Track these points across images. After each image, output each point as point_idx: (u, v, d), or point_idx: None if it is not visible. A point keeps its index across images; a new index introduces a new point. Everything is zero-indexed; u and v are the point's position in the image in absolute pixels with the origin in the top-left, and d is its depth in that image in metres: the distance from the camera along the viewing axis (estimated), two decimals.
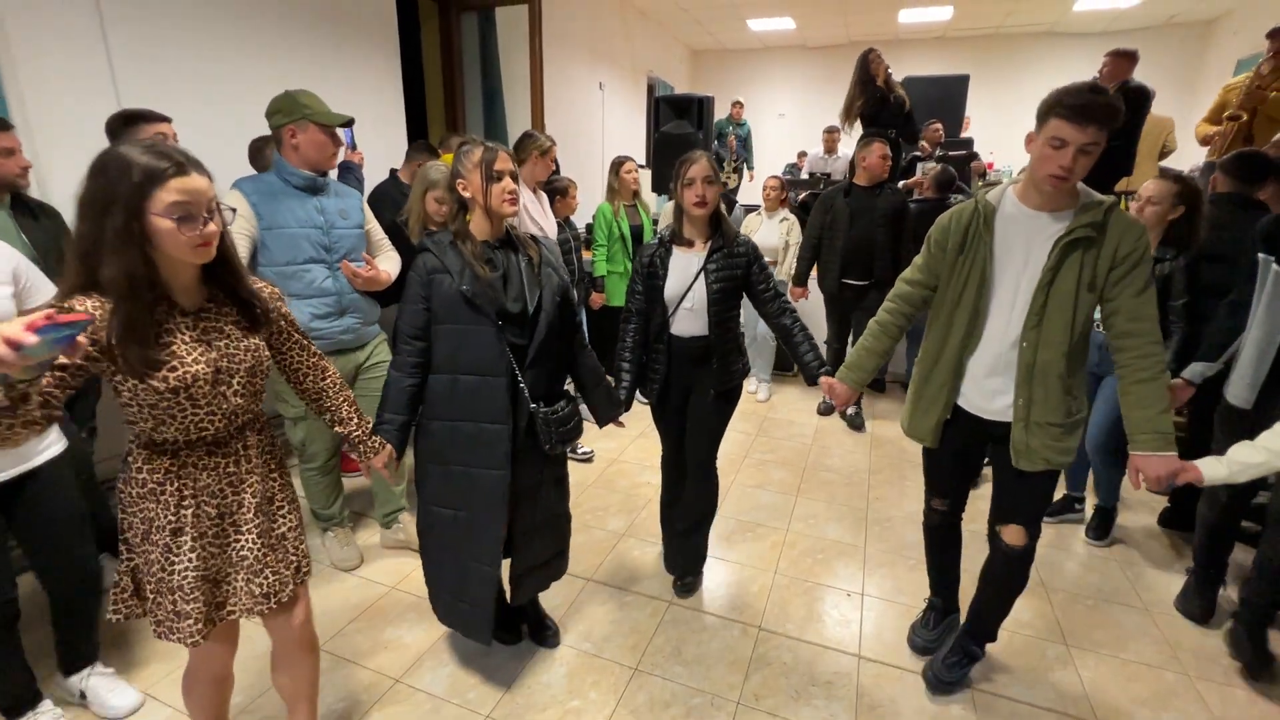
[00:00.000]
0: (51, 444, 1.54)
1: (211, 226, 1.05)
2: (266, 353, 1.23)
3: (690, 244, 1.93)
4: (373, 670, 1.82)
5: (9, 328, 0.79)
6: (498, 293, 1.52)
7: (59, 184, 2.34)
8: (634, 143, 7.26)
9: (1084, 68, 6.80)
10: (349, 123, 2.02)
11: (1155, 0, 6.62)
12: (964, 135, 7.27)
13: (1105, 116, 1.30)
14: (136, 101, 2.26)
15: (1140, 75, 3.71)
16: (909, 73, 5.61)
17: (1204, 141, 3.85)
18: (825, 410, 3.94)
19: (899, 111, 4.28)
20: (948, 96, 5.49)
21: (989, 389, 1.57)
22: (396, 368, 1.56)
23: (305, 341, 1.34)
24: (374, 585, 2.21)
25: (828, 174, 5.76)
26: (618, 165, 3.57)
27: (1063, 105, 1.31)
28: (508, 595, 1.77)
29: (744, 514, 2.74)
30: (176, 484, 1.15)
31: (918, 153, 4.97)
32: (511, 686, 1.78)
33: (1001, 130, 7.52)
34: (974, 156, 5.21)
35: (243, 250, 1.90)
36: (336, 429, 1.42)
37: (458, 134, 3.87)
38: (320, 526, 2.38)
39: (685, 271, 1.91)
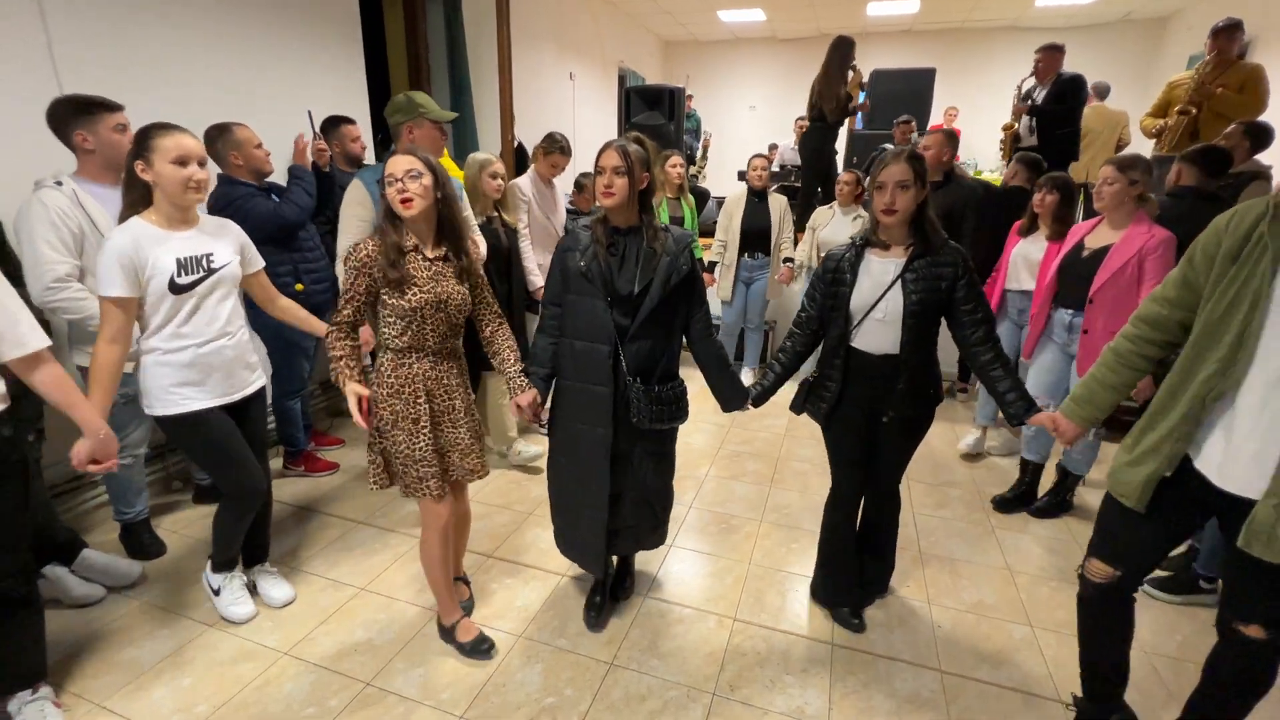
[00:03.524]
0: None
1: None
2: (468, 297, 1.69)
3: (886, 248, 1.74)
4: (343, 674, 1.78)
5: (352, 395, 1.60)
6: (610, 273, 1.69)
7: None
8: (606, 134, 7.21)
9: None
10: (454, 118, 2.32)
11: None
12: (951, 127, 7.44)
13: None
14: (80, 89, 2.14)
15: (1097, 70, 3.86)
16: (876, 65, 5.67)
17: (1151, 135, 3.98)
18: (797, 409, 3.95)
19: (856, 109, 4.44)
20: (915, 89, 5.56)
21: (1244, 449, 1.18)
22: (541, 331, 1.84)
23: (490, 299, 1.79)
24: (343, 587, 2.16)
25: (799, 165, 5.80)
26: (663, 159, 3.73)
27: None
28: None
29: (718, 505, 2.75)
30: (413, 385, 1.64)
31: (887, 145, 5.03)
32: (486, 686, 1.76)
33: (966, 122, 7.67)
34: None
35: (361, 233, 2.21)
36: (499, 367, 1.80)
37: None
38: (499, 453, 2.87)
39: (878, 279, 1.72)
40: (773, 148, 7.68)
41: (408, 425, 1.64)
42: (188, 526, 2.50)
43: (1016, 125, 4.30)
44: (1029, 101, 4.17)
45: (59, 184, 1.92)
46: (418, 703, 1.70)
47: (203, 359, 1.75)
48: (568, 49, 6.36)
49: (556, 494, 1.95)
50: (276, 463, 2.92)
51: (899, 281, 1.69)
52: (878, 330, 1.73)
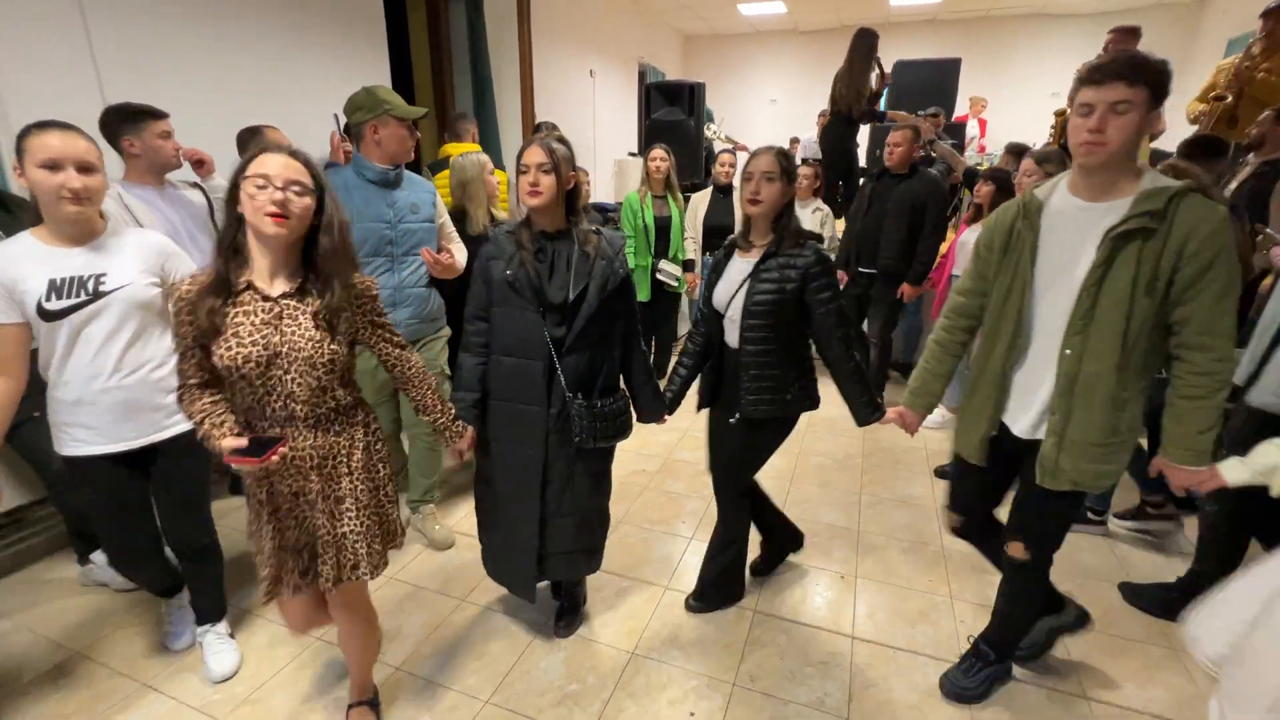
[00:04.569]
0: None
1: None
2: (334, 348, 1.25)
3: (749, 248, 1.75)
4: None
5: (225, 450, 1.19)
6: (540, 281, 1.56)
7: None
8: (626, 131, 7.22)
9: (1075, 50, 6.78)
10: (424, 115, 2.04)
11: None
12: (980, 117, 7.29)
13: (1128, 70, 1.19)
14: (121, 96, 2.23)
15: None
16: (900, 56, 5.59)
17: (1193, 120, 3.86)
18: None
19: (875, 100, 4.34)
20: (940, 80, 5.46)
21: (1035, 406, 1.43)
22: (465, 349, 1.68)
23: (393, 335, 1.43)
24: None
25: (821, 159, 5.75)
26: (646, 154, 3.58)
27: (1084, 72, 1.25)
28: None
29: None
30: (267, 471, 1.28)
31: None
32: (510, 672, 1.80)
33: (991, 113, 7.52)
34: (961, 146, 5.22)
35: None
36: (423, 416, 1.51)
37: (463, 112, 3.83)
38: (420, 502, 2.46)
39: (734, 278, 1.75)
40: (794, 141, 7.63)
41: (254, 505, 1.32)
42: (223, 516, 2.58)
43: (1070, 112, 4.09)
44: None
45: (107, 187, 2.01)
46: (445, 688, 1.75)
47: (91, 398, 1.49)
48: (588, 46, 6.38)
49: (484, 515, 1.82)
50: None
51: (747, 281, 1.71)
52: (730, 329, 1.78)
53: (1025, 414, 1.46)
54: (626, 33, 7.33)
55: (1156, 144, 4.70)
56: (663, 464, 3.08)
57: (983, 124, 7.34)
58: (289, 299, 1.23)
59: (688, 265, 3.83)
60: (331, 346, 1.24)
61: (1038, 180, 2.43)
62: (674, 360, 2.01)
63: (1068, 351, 1.34)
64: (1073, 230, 1.33)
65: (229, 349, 1.17)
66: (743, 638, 1.94)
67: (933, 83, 5.40)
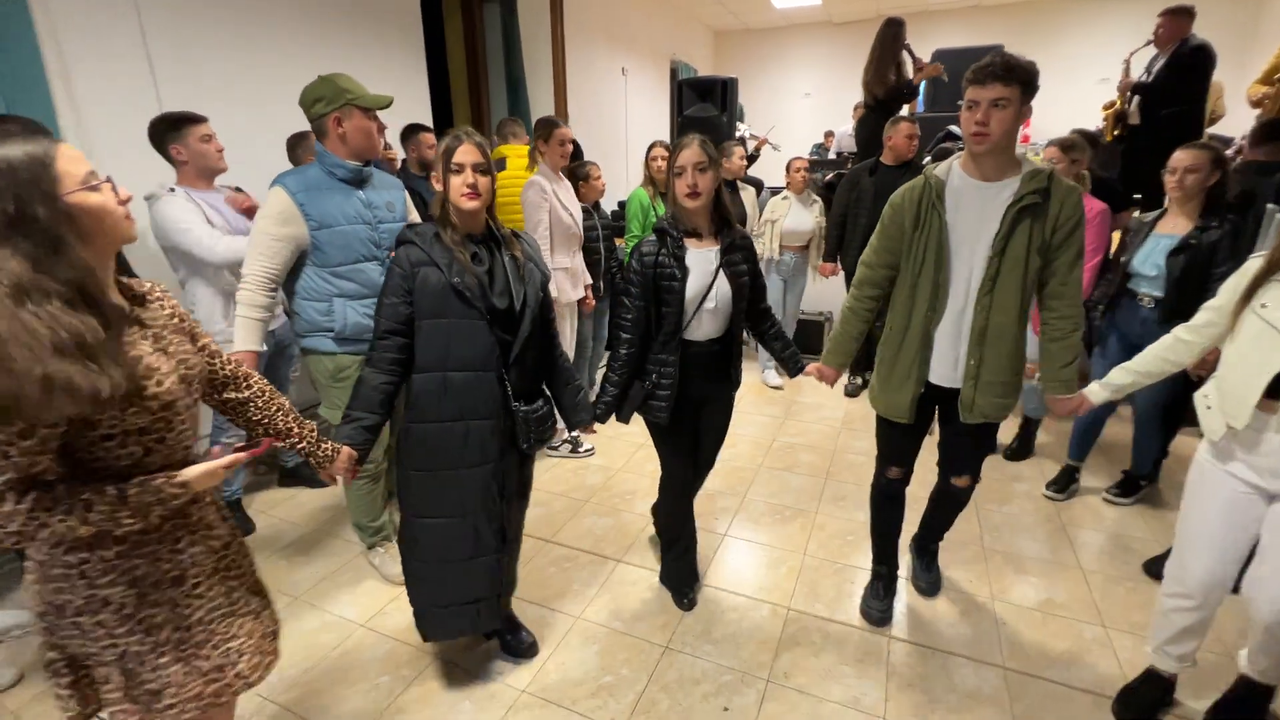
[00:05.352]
0: None
1: (123, 190, 0.91)
2: (190, 365, 1.00)
3: (699, 237, 1.76)
4: (413, 646, 1.89)
5: (209, 477, 0.93)
6: (485, 287, 1.47)
7: None
8: (658, 128, 7.22)
9: (1125, 34, 6.51)
10: (389, 104, 1.90)
11: None
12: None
13: (1003, 71, 1.42)
14: (176, 105, 2.35)
15: None
16: (938, 45, 5.45)
17: (1255, 104, 3.66)
18: (852, 392, 3.92)
19: (911, 94, 4.22)
20: None
21: (954, 358, 1.66)
22: (372, 364, 1.46)
23: (217, 346, 1.14)
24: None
25: (856, 152, 5.65)
26: (647, 151, 3.52)
27: (970, 73, 1.47)
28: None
29: (772, 497, 2.75)
30: (170, 523, 0.96)
31: (952, 127, 4.85)
32: (546, 663, 1.83)
33: (1035, 102, 7.26)
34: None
35: (284, 256, 1.80)
36: (278, 444, 1.22)
37: (514, 117, 3.87)
38: (366, 543, 2.24)
39: (705, 268, 1.74)
40: (828, 135, 7.51)
41: (168, 593, 0.97)
42: (273, 507, 2.70)
43: (1123, 104, 3.73)
44: (1145, 75, 3.63)
45: (172, 190, 2.15)
46: (481, 677, 1.79)
47: None
48: (619, 44, 6.41)
49: (428, 565, 1.60)
50: None
51: (721, 269, 1.75)
52: (709, 319, 1.78)
53: (944, 366, 1.68)
54: (658, 30, 7.32)
55: (1216, 129, 4.49)
56: None
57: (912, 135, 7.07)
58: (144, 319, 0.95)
59: None
60: (187, 364, 0.99)
61: (1064, 169, 2.51)
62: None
63: (978, 309, 1.58)
64: (973, 205, 1.56)
65: (157, 382, 0.90)
66: (777, 634, 1.94)
67: None
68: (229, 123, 2.40)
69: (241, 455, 0.97)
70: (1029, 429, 3.10)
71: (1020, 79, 1.44)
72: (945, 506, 2.02)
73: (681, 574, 2.09)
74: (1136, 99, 3.65)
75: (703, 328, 1.78)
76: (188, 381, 0.96)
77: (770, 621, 2.00)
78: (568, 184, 2.99)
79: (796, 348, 1.98)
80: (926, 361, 1.69)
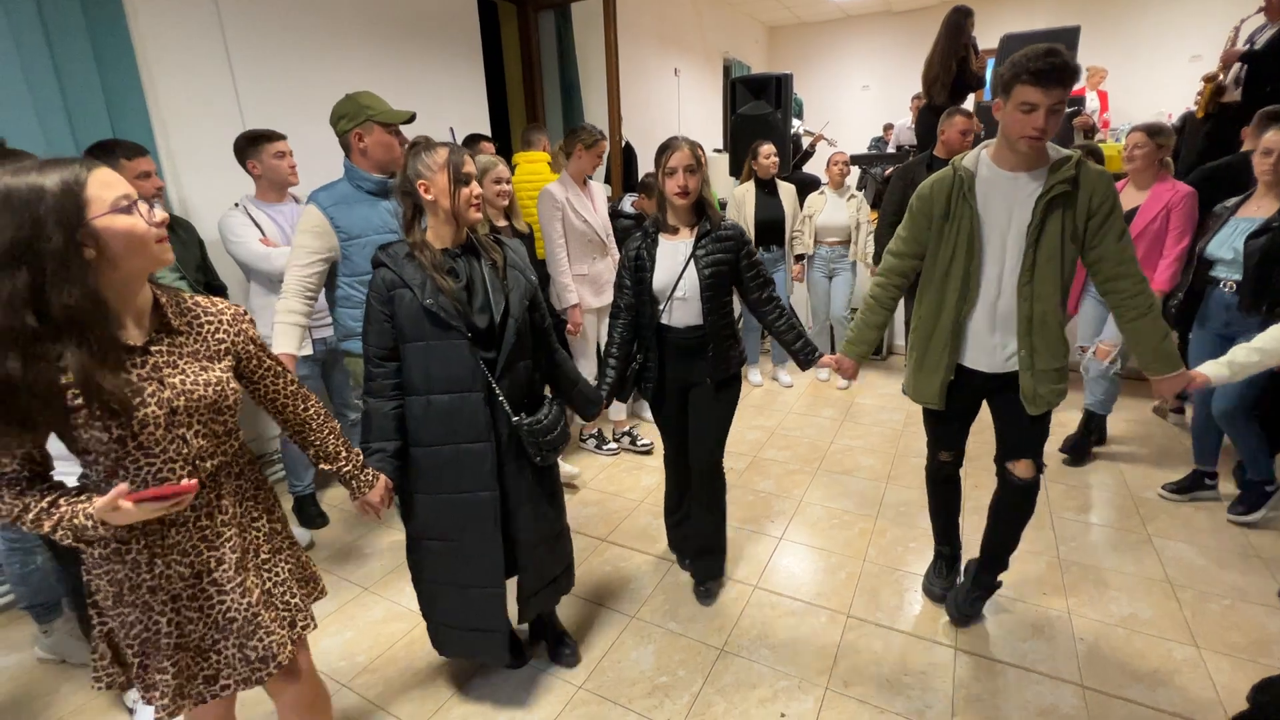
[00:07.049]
0: None
1: (158, 212, 0.95)
2: (234, 385, 1.07)
3: (675, 231, 1.89)
4: None
5: (111, 508, 0.90)
6: (463, 304, 1.43)
7: (198, 203, 2.64)
8: (711, 127, 7.18)
9: (1218, 5, 6.02)
10: (411, 119, 1.94)
11: None
12: (1100, 89, 6.61)
13: (1067, 77, 1.38)
14: (258, 121, 2.51)
15: None
16: (1009, 29, 5.17)
17: None
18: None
19: (978, 85, 4.03)
20: None
21: (991, 345, 1.66)
22: (373, 394, 1.47)
23: (280, 368, 1.18)
24: None
25: (916, 145, 5.45)
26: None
27: (1029, 71, 1.39)
28: (515, 615, 1.67)
29: (830, 501, 2.68)
30: (143, 541, 1.01)
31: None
32: (603, 660, 1.86)
33: (1116, 83, 6.81)
34: (1077, 112, 4.75)
35: (318, 266, 1.89)
36: (323, 465, 1.28)
37: (537, 124, 3.94)
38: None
39: (673, 260, 1.86)
40: (888, 128, 7.27)
41: (142, 598, 1.03)
42: (345, 502, 2.84)
43: (1222, 76, 3.41)
44: (1249, 45, 3.30)
45: (235, 204, 2.34)
46: (541, 671, 1.83)
47: None
48: (671, 45, 6.40)
49: (430, 584, 1.60)
50: None
51: (691, 260, 1.83)
52: (681, 308, 1.87)
53: (981, 353, 1.68)
54: (710, 28, 7.28)
55: None
56: (750, 462, 3.05)
57: (1103, 96, 6.62)
58: (158, 347, 1.00)
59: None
60: (227, 383, 1.05)
61: (1150, 152, 2.49)
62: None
63: (1020, 300, 1.58)
64: (1003, 196, 1.55)
65: (140, 409, 0.95)
66: (835, 641, 1.90)
67: None
68: (306, 135, 2.54)
69: (148, 494, 0.93)
70: (1092, 425, 2.92)
71: (1076, 80, 1.43)
72: (1008, 513, 1.83)
73: (675, 541, 2.28)
74: (1238, 70, 3.29)
75: (678, 315, 1.89)
76: (182, 412, 1.00)
77: (829, 628, 1.95)
78: (592, 189, 2.96)
79: (809, 339, 1.95)
80: (957, 350, 1.70)
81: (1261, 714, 1.46)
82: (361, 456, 1.35)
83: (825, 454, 3.11)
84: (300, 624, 1.19)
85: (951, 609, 1.95)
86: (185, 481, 0.98)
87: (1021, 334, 1.61)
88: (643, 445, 3.19)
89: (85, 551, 1.03)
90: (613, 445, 3.21)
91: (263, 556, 1.16)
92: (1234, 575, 2.10)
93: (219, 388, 1.04)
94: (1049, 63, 1.37)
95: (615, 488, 2.86)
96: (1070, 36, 5.12)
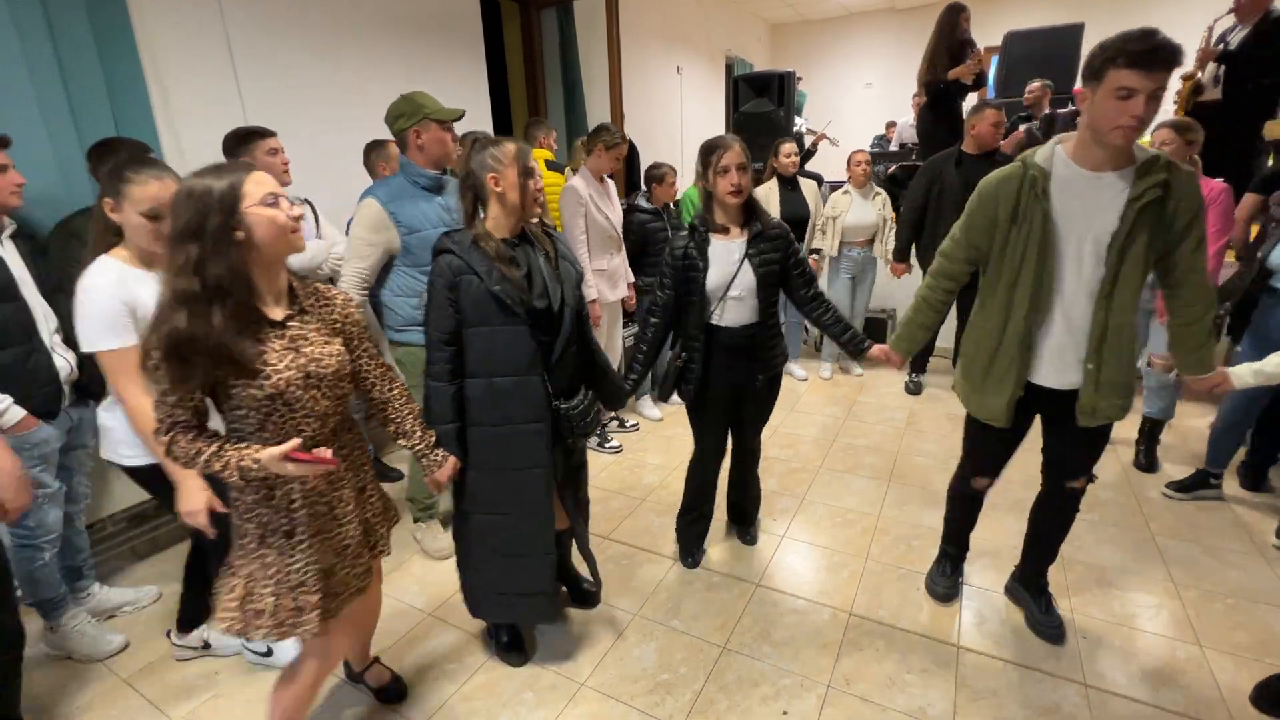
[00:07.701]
0: None
1: (297, 208, 1.16)
2: (348, 357, 1.28)
3: (726, 231, 1.89)
4: (476, 635, 1.96)
5: (279, 458, 1.09)
6: (525, 291, 1.50)
7: None
8: (714, 125, 7.17)
9: (1216, 7, 5.99)
10: (461, 116, 2.06)
11: None
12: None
13: (1173, 58, 1.25)
14: (261, 119, 2.51)
15: None
16: (1012, 26, 5.17)
17: None
18: (914, 390, 3.78)
19: (976, 84, 4.03)
20: (1058, 50, 5.00)
21: (1065, 360, 1.55)
22: (435, 377, 1.53)
23: (374, 350, 1.38)
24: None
25: (918, 143, 5.44)
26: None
27: (1126, 53, 1.25)
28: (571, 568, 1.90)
29: (833, 499, 2.69)
30: (285, 487, 1.21)
31: (1022, 113, 4.60)
32: (605, 658, 1.86)
33: None
34: (1077, 112, 4.74)
35: (375, 259, 1.99)
36: (400, 441, 1.47)
37: (539, 119, 3.93)
38: (414, 516, 2.40)
39: (727, 260, 1.86)
40: (890, 126, 7.27)
41: (278, 541, 1.22)
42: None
43: (1200, 74, 3.54)
44: (1222, 45, 3.44)
45: None
46: (545, 668, 1.83)
47: None
48: (674, 43, 6.39)
49: (481, 556, 1.67)
50: None
51: (745, 260, 1.84)
52: (736, 307, 1.88)
53: (1054, 370, 1.57)
54: (713, 26, 7.26)
55: None
56: None
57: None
58: (293, 321, 1.20)
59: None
60: (344, 355, 1.27)
61: (1178, 149, 2.38)
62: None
63: (1099, 310, 1.47)
64: (1084, 198, 1.43)
65: (273, 376, 1.14)
66: (838, 639, 1.90)
67: (1048, 53, 4.96)
68: (309, 132, 2.53)
69: (305, 456, 1.11)
70: (1155, 433, 2.84)
71: (1180, 61, 1.28)
72: (1056, 519, 1.82)
73: (690, 537, 2.28)
74: (1215, 69, 3.41)
75: (731, 315, 1.90)
76: (314, 376, 1.19)
77: (831, 626, 1.96)
78: (610, 186, 3.04)
79: (856, 330, 1.97)
80: (1027, 364, 1.58)
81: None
82: (433, 437, 1.51)
83: (829, 452, 3.11)
84: (380, 547, 1.43)
85: (1045, 631, 1.84)
86: (333, 457, 1.15)
87: (1092, 347, 1.50)
88: (611, 447, 3.19)
89: (237, 499, 1.22)
90: (615, 443, 3.21)
91: (367, 493, 1.39)
92: (1238, 574, 2.10)
93: (339, 358, 1.24)
94: (1151, 43, 1.24)
95: (617, 486, 2.86)
96: (1073, 34, 5.12)
